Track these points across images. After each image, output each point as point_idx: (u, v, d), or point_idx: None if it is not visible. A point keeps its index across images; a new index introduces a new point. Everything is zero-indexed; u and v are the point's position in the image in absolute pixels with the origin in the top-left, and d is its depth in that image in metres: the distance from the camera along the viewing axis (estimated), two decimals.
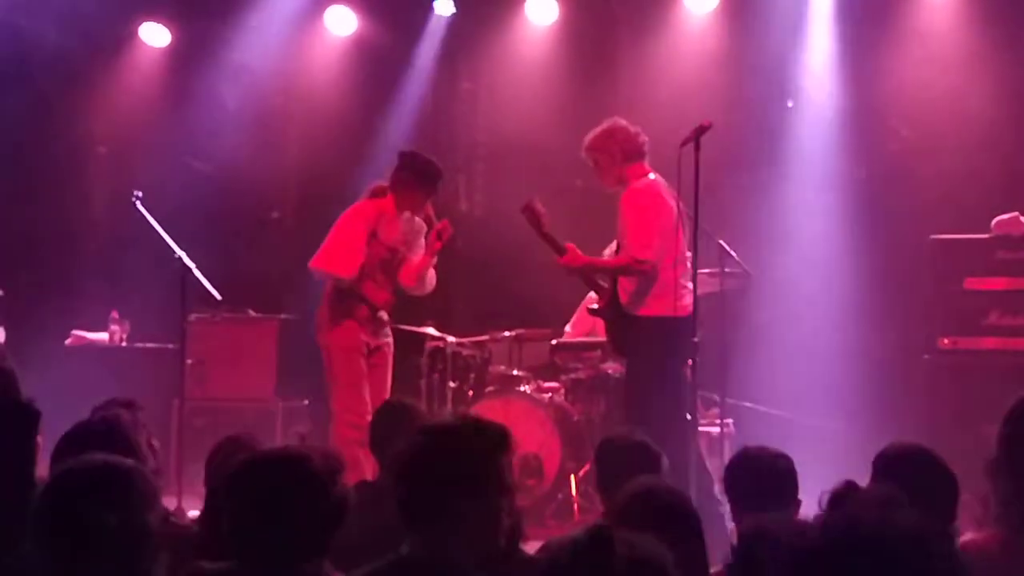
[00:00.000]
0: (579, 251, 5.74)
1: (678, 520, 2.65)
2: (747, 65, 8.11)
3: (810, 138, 7.77)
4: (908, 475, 2.89)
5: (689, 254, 5.41)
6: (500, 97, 8.76)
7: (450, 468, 2.45)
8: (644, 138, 5.68)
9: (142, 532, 2.11)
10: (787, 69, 7.81)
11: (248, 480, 2.40)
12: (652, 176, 5.65)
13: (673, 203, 5.46)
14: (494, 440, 2.51)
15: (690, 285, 5.40)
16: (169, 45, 8.87)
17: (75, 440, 2.85)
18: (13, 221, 7.15)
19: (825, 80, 7.89)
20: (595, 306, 5.89)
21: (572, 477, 6.55)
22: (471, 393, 7.05)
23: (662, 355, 5.31)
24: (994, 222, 6.58)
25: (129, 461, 2.22)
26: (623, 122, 5.70)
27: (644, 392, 5.39)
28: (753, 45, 8.19)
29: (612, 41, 8.60)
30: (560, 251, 5.72)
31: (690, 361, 5.23)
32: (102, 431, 2.84)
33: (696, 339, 5.29)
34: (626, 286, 5.56)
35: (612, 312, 5.66)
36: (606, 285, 5.73)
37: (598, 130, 5.72)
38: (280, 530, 2.29)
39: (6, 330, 6.65)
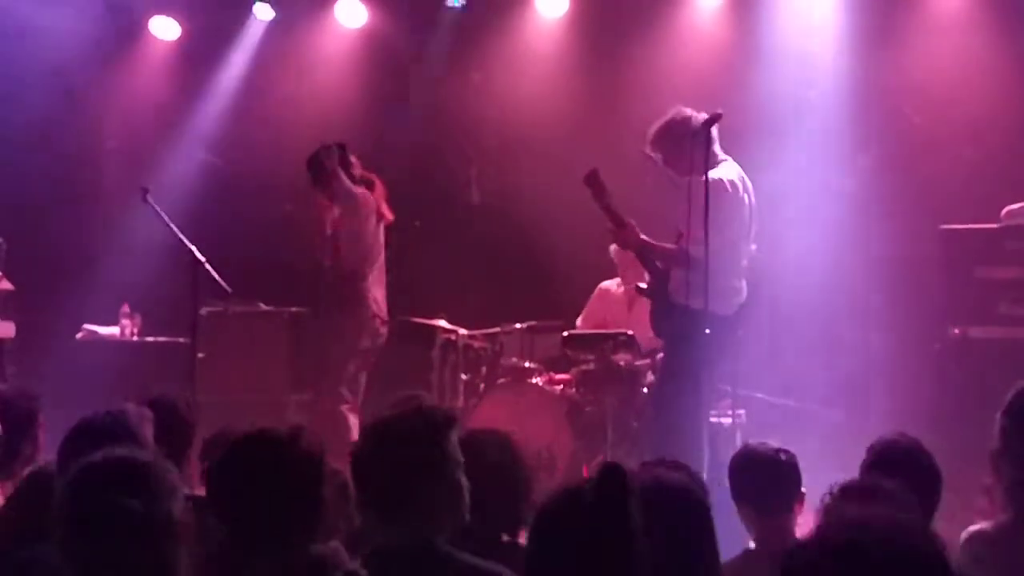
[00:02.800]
0: (637, 229, 5.65)
1: (691, 511, 2.66)
2: (757, 55, 8.08)
3: (821, 127, 7.74)
4: (896, 467, 2.94)
5: (753, 247, 5.44)
6: (510, 89, 8.75)
7: (396, 455, 2.49)
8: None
9: (166, 522, 2.11)
10: (798, 58, 7.78)
11: (234, 461, 2.44)
12: (726, 164, 5.55)
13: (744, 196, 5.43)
14: (436, 420, 2.57)
15: (740, 283, 5.41)
16: (179, 39, 8.89)
17: (82, 434, 2.87)
18: (24, 216, 7.17)
19: (836, 69, 7.86)
20: (643, 285, 5.83)
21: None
22: (482, 386, 7.06)
23: (696, 349, 5.23)
24: (1004, 211, 6.55)
25: (149, 453, 2.23)
26: (687, 110, 5.54)
27: (671, 383, 5.35)
28: (763, 35, 8.17)
29: (622, 32, 8.58)
30: (620, 225, 5.63)
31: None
32: (108, 425, 2.85)
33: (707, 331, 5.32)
34: (677, 273, 5.49)
35: (658, 296, 5.63)
36: (661, 266, 5.66)
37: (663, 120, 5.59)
38: (269, 509, 2.31)
39: (17, 325, 6.68)
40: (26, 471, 3.97)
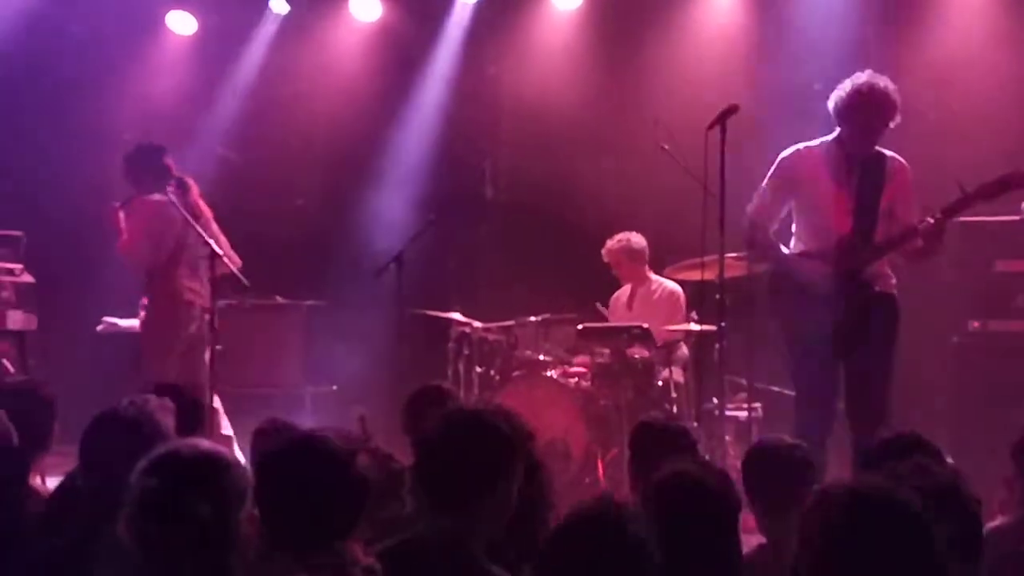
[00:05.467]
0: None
1: (712, 503, 2.66)
2: (773, 47, 8.06)
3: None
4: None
5: None
6: (525, 82, 8.75)
7: (476, 456, 2.49)
8: None
9: (229, 529, 2.12)
10: (814, 50, 7.74)
11: (275, 464, 2.44)
12: None
13: None
14: (519, 431, 2.57)
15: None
16: (195, 33, 8.92)
17: (105, 424, 2.88)
18: (44, 209, 7.21)
19: (850, 60, 7.82)
20: None
21: (599, 461, 6.56)
22: (497, 378, 7.07)
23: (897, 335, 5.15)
24: None
25: (228, 453, 2.23)
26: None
27: (889, 368, 5.09)
28: (779, 27, 8.14)
29: (637, 24, 8.56)
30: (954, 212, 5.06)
31: (718, 345, 5.20)
32: (130, 415, 2.86)
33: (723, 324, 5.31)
34: (891, 259, 5.26)
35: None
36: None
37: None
38: (307, 511, 2.32)
39: (39, 317, 6.72)
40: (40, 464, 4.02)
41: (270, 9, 8.84)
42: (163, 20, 8.84)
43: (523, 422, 2.68)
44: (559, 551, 2.13)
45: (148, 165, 6.39)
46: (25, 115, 7.91)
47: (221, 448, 2.22)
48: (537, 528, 2.75)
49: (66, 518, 2.99)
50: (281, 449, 2.49)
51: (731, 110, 5.29)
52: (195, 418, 3.52)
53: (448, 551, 2.48)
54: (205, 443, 2.20)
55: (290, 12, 8.83)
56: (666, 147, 6.23)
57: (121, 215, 6.33)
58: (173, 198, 6.17)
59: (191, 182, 6.46)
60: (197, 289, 6.44)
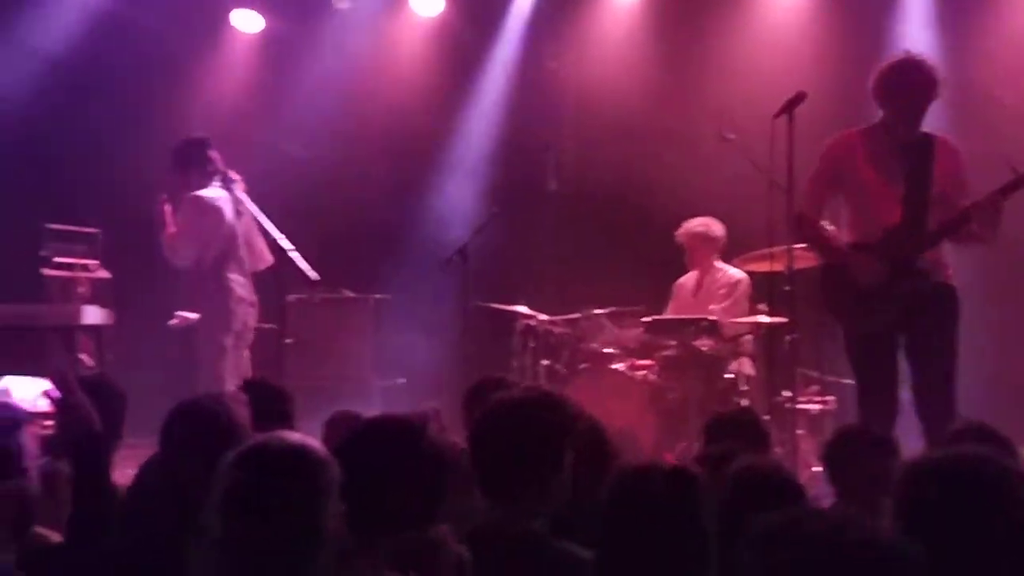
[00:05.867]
0: None
1: (782, 497, 2.64)
2: (841, 33, 7.95)
3: None
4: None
5: None
6: (585, 74, 8.73)
7: (518, 438, 2.51)
8: None
9: (318, 523, 2.11)
10: (882, 36, 7.63)
11: (350, 448, 2.46)
12: None
13: None
14: (565, 412, 2.57)
15: None
16: (261, 31, 9.02)
17: (183, 417, 2.92)
18: (119, 207, 7.34)
19: (922, 47, 7.69)
20: None
21: (667, 455, 6.53)
22: (564, 372, 7.06)
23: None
24: None
25: (318, 446, 2.21)
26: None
27: (952, 360, 4.96)
28: (846, 12, 8.03)
29: (699, 13, 8.50)
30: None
31: (788, 337, 5.14)
32: (208, 408, 2.90)
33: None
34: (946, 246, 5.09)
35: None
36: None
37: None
38: (387, 491, 2.33)
39: (115, 312, 6.85)
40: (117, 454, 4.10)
41: (333, 6, 8.91)
42: (228, 18, 8.96)
43: (570, 408, 2.68)
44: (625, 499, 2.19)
45: (193, 158, 6.40)
46: (97, 114, 8.06)
47: (311, 441, 2.20)
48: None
49: (145, 509, 3.05)
50: (353, 432, 2.50)
51: (798, 98, 5.20)
52: (282, 411, 3.54)
53: (512, 536, 2.50)
54: (295, 436, 2.19)
55: (353, 8, 8.90)
56: (731, 137, 6.17)
57: (167, 208, 6.37)
58: (225, 192, 6.24)
59: (236, 176, 6.44)
60: (244, 283, 6.47)
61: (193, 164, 6.40)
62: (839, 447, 3.31)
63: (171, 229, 6.30)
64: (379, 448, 2.40)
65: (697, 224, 7.18)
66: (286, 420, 3.21)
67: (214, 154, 6.45)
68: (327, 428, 3.61)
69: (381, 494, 2.35)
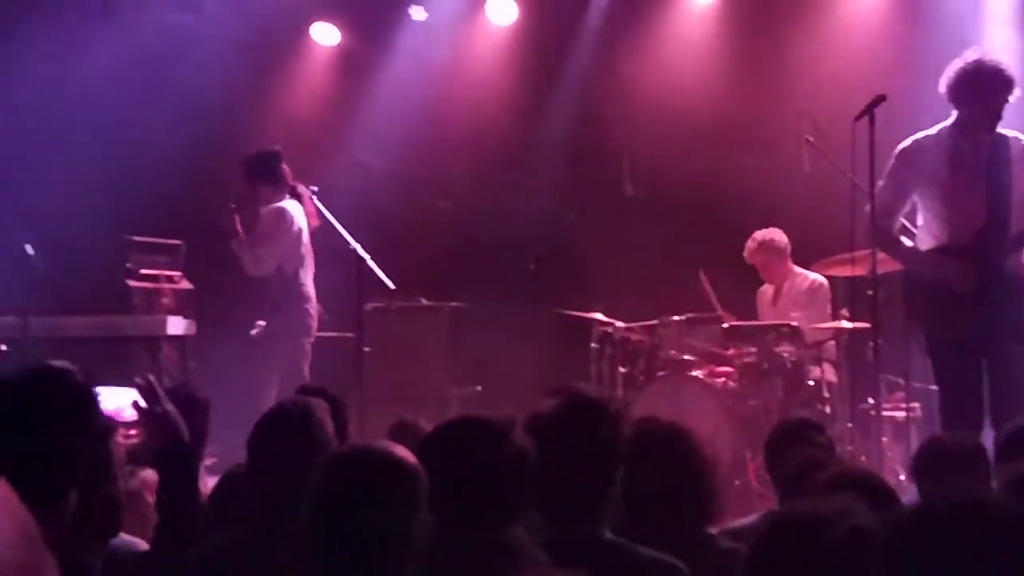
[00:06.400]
0: None
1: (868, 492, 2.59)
2: (921, 33, 7.79)
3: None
4: None
5: None
6: (661, 78, 8.68)
7: (551, 448, 2.48)
8: None
9: (405, 536, 2.11)
10: (966, 34, 7.46)
11: (433, 447, 2.45)
12: None
13: None
14: (590, 411, 2.53)
15: None
16: (339, 43, 9.13)
17: (272, 423, 2.96)
18: (200, 218, 7.48)
19: (1003, 46, 7.51)
20: None
21: (748, 463, 6.45)
22: (641, 379, 7.02)
23: None
24: None
25: (408, 455, 2.21)
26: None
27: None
28: (926, 13, 7.88)
29: (776, 16, 8.40)
30: None
31: (871, 343, 5.05)
32: (296, 415, 2.93)
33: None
34: None
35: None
36: None
37: None
38: (472, 489, 2.32)
39: (197, 323, 6.97)
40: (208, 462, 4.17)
41: (409, 17, 8.99)
42: (307, 32, 9.08)
43: (599, 400, 2.63)
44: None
45: (266, 171, 6.59)
46: (181, 127, 8.21)
47: (401, 449, 2.21)
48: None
49: (230, 514, 3.09)
50: (437, 431, 2.50)
51: (879, 100, 5.14)
52: (340, 420, 3.59)
53: (582, 546, 2.48)
54: (385, 444, 2.20)
55: (429, 18, 8.97)
56: (811, 139, 6.10)
57: (237, 217, 6.54)
58: (297, 204, 6.44)
59: (303, 189, 6.67)
60: (314, 294, 6.69)
61: (265, 176, 6.57)
62: (928, 458, 3.24)
63: (242, 236, 6.50)
64: (466, 444, 2.40)
65: (758, 239, 7.16)
66: (343, 429, 3.23)
67: (285, 167, 6.63)
68: (390, 436, 3.62)
69: (466, 489, 2.34)
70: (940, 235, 4.98)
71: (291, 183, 6.66)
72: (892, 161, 5.07)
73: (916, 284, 5.00)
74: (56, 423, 2.19)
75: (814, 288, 7.07)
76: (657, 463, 2.60)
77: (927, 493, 3.14)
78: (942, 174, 4.94)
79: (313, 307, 6.65)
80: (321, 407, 3.05)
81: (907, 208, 5.09)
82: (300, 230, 6.59)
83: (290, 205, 6.60)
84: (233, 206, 6.55)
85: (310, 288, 6.65)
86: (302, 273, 6.62)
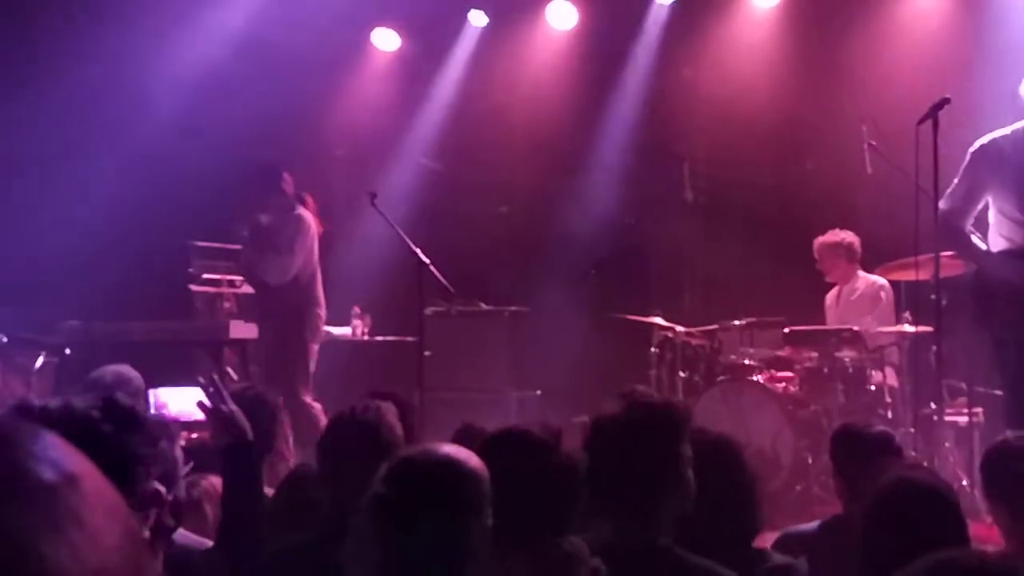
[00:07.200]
0: None
1: (939, 510, 2.56)
2: (983, 35, 7.67)
3: None
4: None
5: None
6: (722, 82, 8.64)
7: (621, 451, 2.48)
8: None
9: (467, 538, 2.11)
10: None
11: (488, 458, 2.46)
12: None
13: None
14: (663, 417, 2.52)
15: None
16: (399, 49, 9.22)
17: (342, 426, 3.01)
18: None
19: None
20: None
21: (809, 468, 6.40)
22: (701, 383, 6.99)
23: None
24: None
25: (470, 460, 2.22)
26: None
27: None
28: (987, 14, 7.75)
29: (838, 19, 8.32)
30: None
31: (934, 347, 4.98)
32: (368, 419, 2.97)
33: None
34: None
35: None
36: None
37: None
38: (522, 501, 2.33)
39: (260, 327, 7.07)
40: (276, 463, 4.24)
41: (470, 23, 9.05)
42: (368, 38, 9.18)
43: (672, 406, 2.63)
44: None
45: (267, 184, 6.81)
46: (240, 135, 8.34)
47: (465, 453, 2.22)
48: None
49: (296, 514, 3.14)
50: (484, 443, 2.51)
51: (943, 103, 5.06)
52: (408, 423, 3.62)
53: (640, 552, 2.47)
54: (447, 449, 2.21)
55: (489, 24, 9.02)
56: (874, 143, 6.03)
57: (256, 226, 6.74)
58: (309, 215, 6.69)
59: (309, 198, 6.89)
60: (323, 298, 6.91)
61: (268, 189, 6.82)
62: (997, 461, 3.19)
63: (264, 248, 6.68)
64: (514, 456, 2.40)
65: (831, 236, 7.10)
66: (411, 432, 3.26)
67: (287, 176, 6.88)
68: (455, 440, 3.66)
69: (515, 501, 2.35)
70: (1012, 236, 4.92)
71: (294, 193, 6.88)
72: (966, 160, 5.02)
73: (987, 285, 4.93)
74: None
75: (876, 292, 7.00)
76: (700, 476, 2.58)
77: (993, 498, 3.11)
78: (1013, 174, 4.87)
79: (323, 311, 6.88)
80: (390, 411, 3.10)
81: (980, 207, 5.03)
82: (315, 236, 6.83)
83: (305, 213, 6.81)
84: (257, 217, 6.72)
85: (321, 293, 6.88)
86: (318, 279, 6.86)
